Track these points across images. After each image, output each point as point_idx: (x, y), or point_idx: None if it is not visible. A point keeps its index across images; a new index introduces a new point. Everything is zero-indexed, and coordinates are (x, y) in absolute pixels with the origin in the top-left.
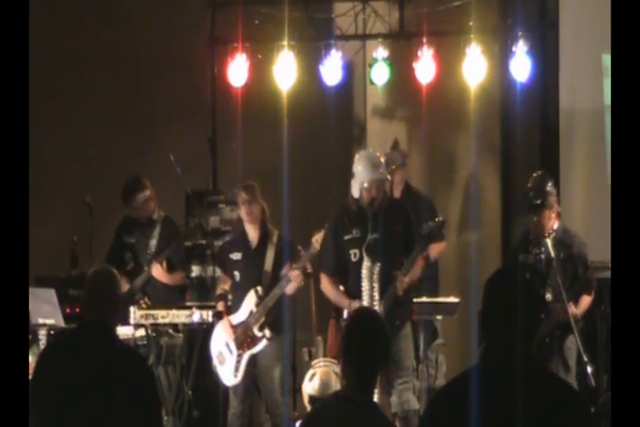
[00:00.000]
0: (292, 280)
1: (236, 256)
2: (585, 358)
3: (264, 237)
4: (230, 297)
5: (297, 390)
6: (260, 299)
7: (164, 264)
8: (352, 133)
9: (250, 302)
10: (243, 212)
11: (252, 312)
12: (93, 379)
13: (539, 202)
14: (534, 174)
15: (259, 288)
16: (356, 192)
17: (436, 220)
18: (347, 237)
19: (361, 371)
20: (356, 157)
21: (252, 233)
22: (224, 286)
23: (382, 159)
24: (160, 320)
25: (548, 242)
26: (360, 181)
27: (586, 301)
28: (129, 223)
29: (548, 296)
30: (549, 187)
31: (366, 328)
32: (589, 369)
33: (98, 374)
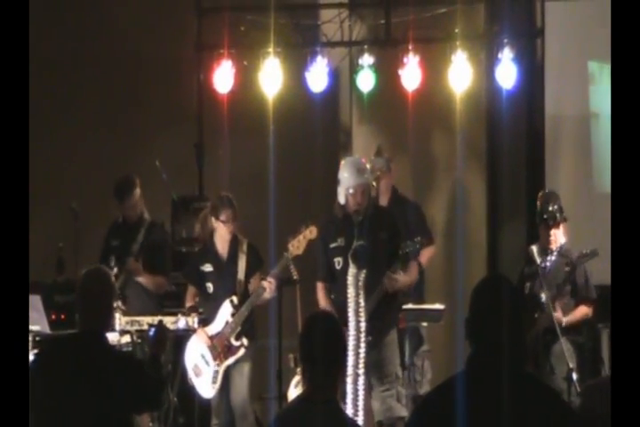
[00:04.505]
0: (267, 289)
1: (208, 268)
2: (571, 365)
3: (234, 246)
4: (201, 309)
5: (282, 396)
6: (236, 309)
7: (141, 263)
8: (338, 140)
9: (225, 313)
10: (223, 228)
11: (227, 322)
12: (92, 387)
13: (550, 223)
14: (540, 194)
15: (234, 298)
16: (342, 198)
17: (415, 240)
18: (332, 246)
19: (319, 372)
20: (342, 163)
21: (222, 244)
22: (192, 296)
23: (367, 165)
24: (146, 327)
25: (534, 249)
26: (345, 186)
27: (582, 310)
28: (116, 226)
29: (543, 297)
30: (557, 206)
31: (320, 331)
32: (575, 376)
33: (97, 382)
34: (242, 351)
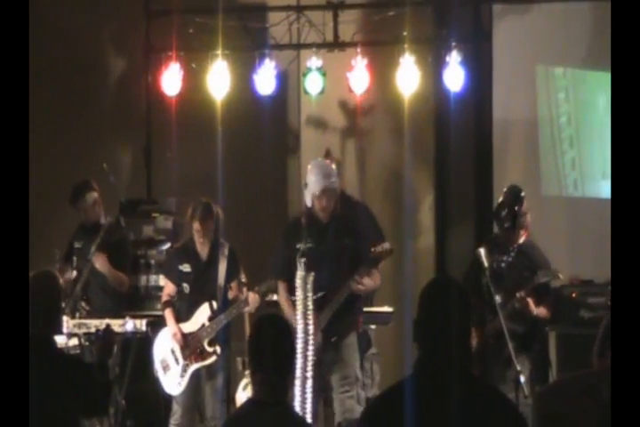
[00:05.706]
0: (250, 303)
1: (186, 268)
2: (518, 368)
3: (215, 249)
4: (176, 305)
5: (231, 399)
6: (214, 313)
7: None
8: (286, 143)
9: (203, 315)
10: (196, 228)
11: (204, 325)
12: (39, 391)
13: (508, 224)
14: (505, 189)
15: (214, 302)
16: (308, 201)
17: (384, 245)
18: (298, 246)
19: (268, 374)
20: (309, 167)
21: (202, 245)
22: (169, 292)
23: (334, 167)
24: (93, 329)
25: (482, 251)
26: (312, 190)
27: (544, 311)
28: (79, 229)
29: (498, 299)
30: (521, 204)
31: (269, 333)
32: (522, 379)
33: (44, 385)
34: (213, 358)
